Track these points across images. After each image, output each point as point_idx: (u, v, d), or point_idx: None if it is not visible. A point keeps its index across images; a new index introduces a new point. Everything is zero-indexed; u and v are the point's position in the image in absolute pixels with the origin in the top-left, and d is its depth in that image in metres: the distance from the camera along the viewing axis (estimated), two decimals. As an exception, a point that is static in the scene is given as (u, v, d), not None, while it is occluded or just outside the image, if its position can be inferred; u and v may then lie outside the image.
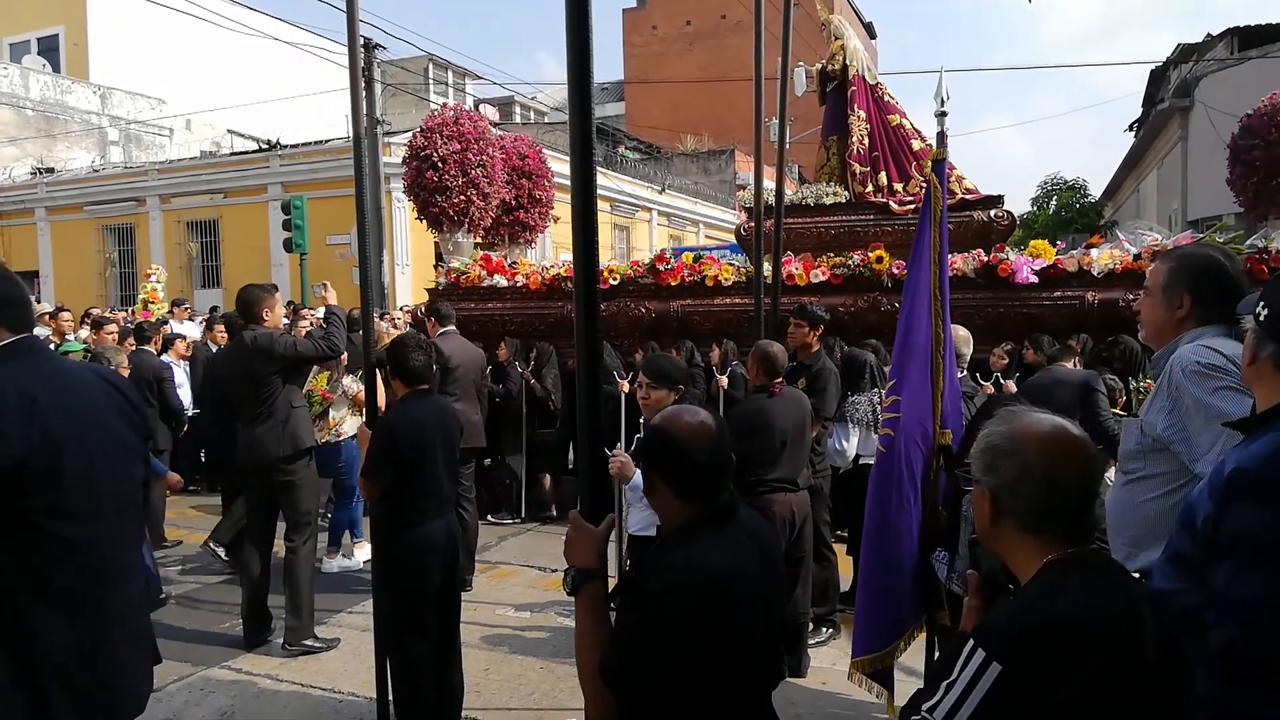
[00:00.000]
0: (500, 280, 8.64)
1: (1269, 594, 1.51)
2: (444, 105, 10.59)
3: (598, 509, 2.03)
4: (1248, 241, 6.89)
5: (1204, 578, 1.62)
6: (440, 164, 9.48)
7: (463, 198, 9.60)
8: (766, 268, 7.62)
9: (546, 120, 34.84)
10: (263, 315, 5.07)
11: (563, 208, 25.05)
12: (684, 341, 7.79)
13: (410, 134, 11.89)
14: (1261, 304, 1.76)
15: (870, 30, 59.62)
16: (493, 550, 7.18)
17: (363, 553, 6.55)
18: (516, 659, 4.97)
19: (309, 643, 5.02)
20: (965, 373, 4.50)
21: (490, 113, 29.67)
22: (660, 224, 27.63)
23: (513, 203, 10.90)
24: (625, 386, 7.14)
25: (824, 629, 5.18)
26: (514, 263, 9.01)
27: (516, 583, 6.37)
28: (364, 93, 3.77)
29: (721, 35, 46.60)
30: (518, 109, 36.08)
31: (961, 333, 4.45)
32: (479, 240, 10.43)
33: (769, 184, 5.55)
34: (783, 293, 5.72)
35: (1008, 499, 1.59)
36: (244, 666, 4.90)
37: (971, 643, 1.46)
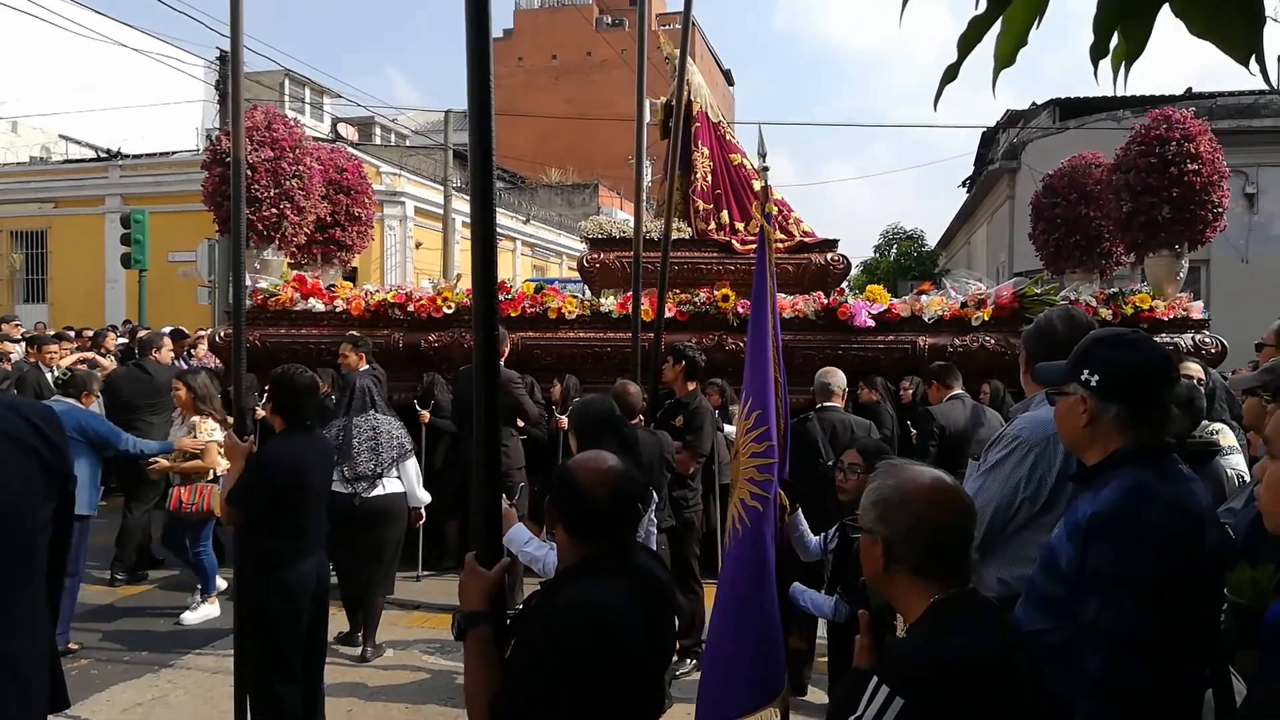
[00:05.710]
0: (317, 304, 7.85)
1: (1126, 623, 1.72)
2: (253, 106, 9.31)
3: (492, 553, 2.04)
4: (1060, 294, 7.51)
5: (1073, 614, 1.81)
6: (250, 171, 8.37)
7: (274, 211, 8.66)
8: (608, 302, 7.57)
9: (408, 144, 34.25)
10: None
11: (424, 234, 24.35)
12: (525, 376, 7.26)
13: (213, 135, 10.78)
14: (1088, 372, 1.91)
15: (729, 78, 61.91)
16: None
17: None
18: (380, 700, 4.83)
19: None
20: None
21: (349, 133, 28.99)
22: (524, 254, 27.61)
23: (329, 219, 9.99)
24: (563, 422, 6.51)
25: (688, 660, 5.29)
26: (332, 286, 8.29)
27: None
28: (237, 110, 3.63)
29: (587, 71, 47.37)
30: (378, 130, 35.32)
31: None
32: (290, 259, 9.47)
33: (624, 215, 5.59)
34: (641, 329, 5.68)
35: (900, 548, 1.74)
36: (82, 714, 4.56)
37: (876, 680, 1.60)
